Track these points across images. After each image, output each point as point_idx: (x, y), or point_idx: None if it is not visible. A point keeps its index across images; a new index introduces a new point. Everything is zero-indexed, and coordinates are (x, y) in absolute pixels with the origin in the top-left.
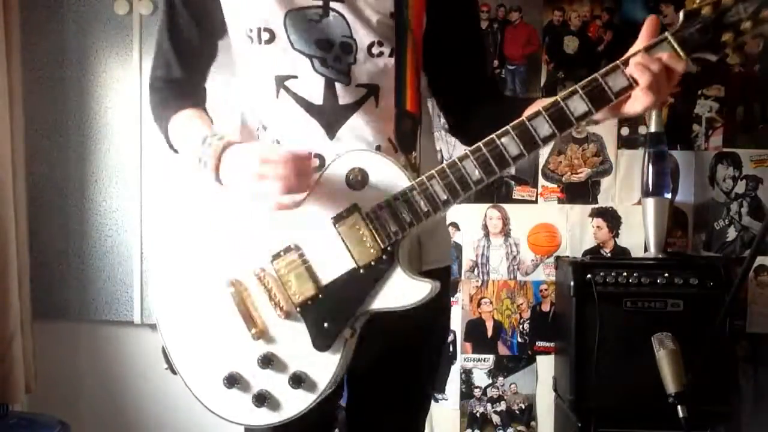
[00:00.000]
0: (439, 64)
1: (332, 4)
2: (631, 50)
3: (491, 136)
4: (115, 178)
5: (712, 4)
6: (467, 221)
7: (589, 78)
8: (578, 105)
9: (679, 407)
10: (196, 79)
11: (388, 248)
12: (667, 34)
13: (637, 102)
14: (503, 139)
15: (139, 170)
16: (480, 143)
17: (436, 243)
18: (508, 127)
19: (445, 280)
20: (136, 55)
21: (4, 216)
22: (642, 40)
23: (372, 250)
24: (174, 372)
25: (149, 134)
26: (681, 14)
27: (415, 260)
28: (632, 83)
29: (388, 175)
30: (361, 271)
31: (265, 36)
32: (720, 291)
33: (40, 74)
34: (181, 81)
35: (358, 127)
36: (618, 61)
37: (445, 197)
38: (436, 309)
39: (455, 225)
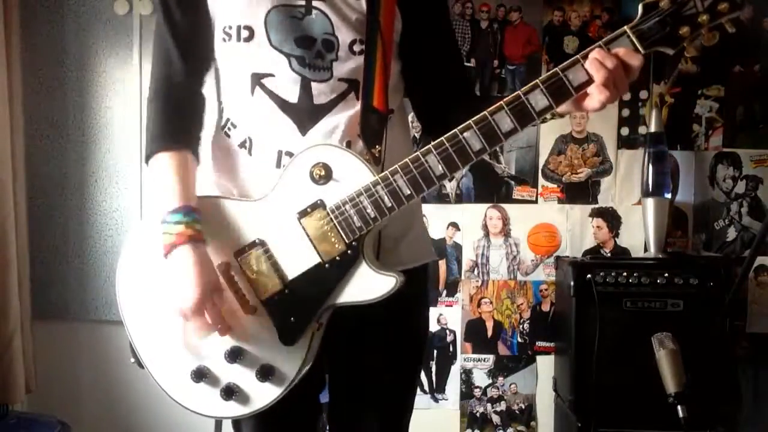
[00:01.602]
0: (413, 68)
1: (315, 3)
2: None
3: (454, 131)
4: (115, 178)
5: None
6: (467, 221)
7: (550, 72)
8: (539, 99)
9: (679, 407)
10: (197, 80)
11: (353, 243)
12: (626, 28)
13: (594, 98)
14: (465, 134)
15: (139, 170)
16: (443, 138)
17: (410, 242)
18: (470, 121)
19: (422, 277)
20: (136, 55)
21: (4, 216)
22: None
23: (337, 245)
24: (141, 366)
25: None
26: (640, 6)
27: (388, 261)
28: (591, 78)
29: (352, 170)
30: (327, 265)
31: (245, 34)
32: (720, 291)
33: (40, 74)
34: (182, 85)
35: (330, 125)
36: (578, 55)
37: (409, 192)
38: (414, 306)
39: (455, 225)
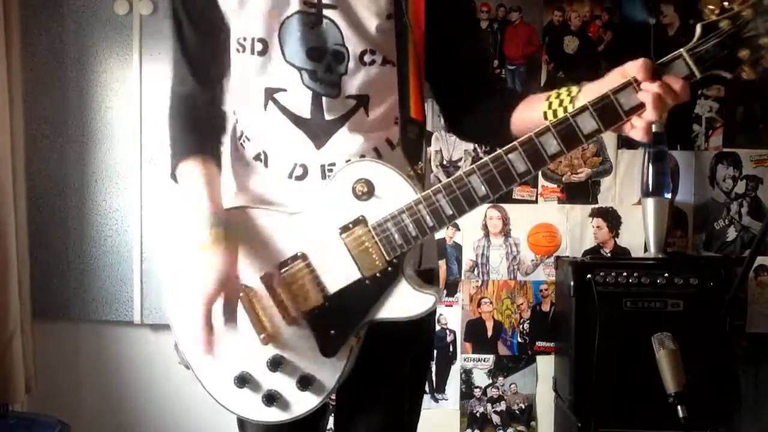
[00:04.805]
0: (438, 66)
1: (325, 11)
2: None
3: (498, 152)
4: (115, 178)
5: (732, 17)
6: (467, 221)
7: (601, 95)
8: (588, 122)
9: (679, 407)
10: (212, 94)
11: (394, 260)
12: (682, 50)
13: (638, 127)
14: (510, 155)
15: (139, 170)
16: (487, 158)
17: (425, 246)
18: (516, 143)
19: (432, 281)
20: (136, 55)
21: (4, 216)
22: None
23: (378, 262)
24: (187, 367)
25: (149, 134)
26: (698, 27)
27: (414, 261)
28: (643, 103)
29: (395, 187)
30: (367, 282)
31: (258, 47)
32: (720, 291)
33: (40, 74)
34: (198, 99)
35: (344, 139)
36: (630, 79)
37: (451, 212)
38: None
39: (455, 225)
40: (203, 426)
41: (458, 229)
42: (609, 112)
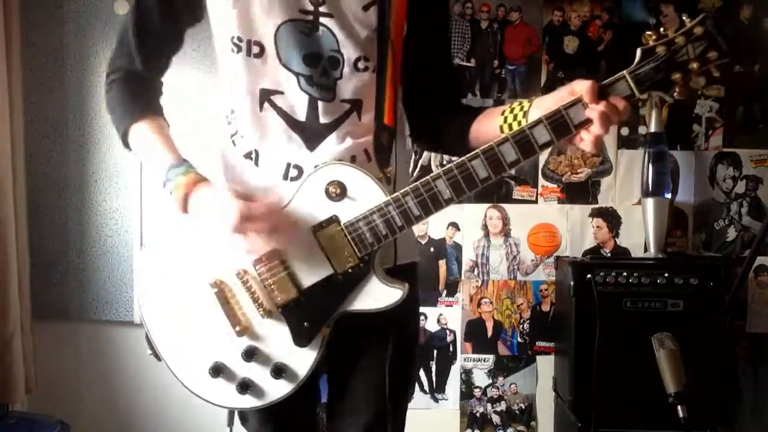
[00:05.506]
0: (409, 75)
1: (322, 19)
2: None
3: (462, 159)
4: (115, 178)
5: (666, 43)
6: (467, 221)
7: (554, 110)
8: (542, 134)
9: (679, 407)
10: (156, 73)
11: (365, 257)
12: (624, 72)
13: (587, 140)
14: (473, 162)
15: (139, 170)
16: (452, 165)
17: (405, 240)
18: (478, 151)
19: (413, 275)
20: None
21: (4, 216)
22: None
23: (350, 259)
24: (158, 359)
25: None
26: (638, 51)
27: (390, 257)
28: (590, 119)
29: (366, 189)
30: (340, 277)
31: (255, 49)
32: (720, 291)
33: (40, 74)
34: (141, 75)
35: (337, 142)
36: (579, 96)
37: (418, 213)
38: (407, 304)
39: (455, 225)
40: (203, 426)
41: (458, 229)
42: (561, 125)
